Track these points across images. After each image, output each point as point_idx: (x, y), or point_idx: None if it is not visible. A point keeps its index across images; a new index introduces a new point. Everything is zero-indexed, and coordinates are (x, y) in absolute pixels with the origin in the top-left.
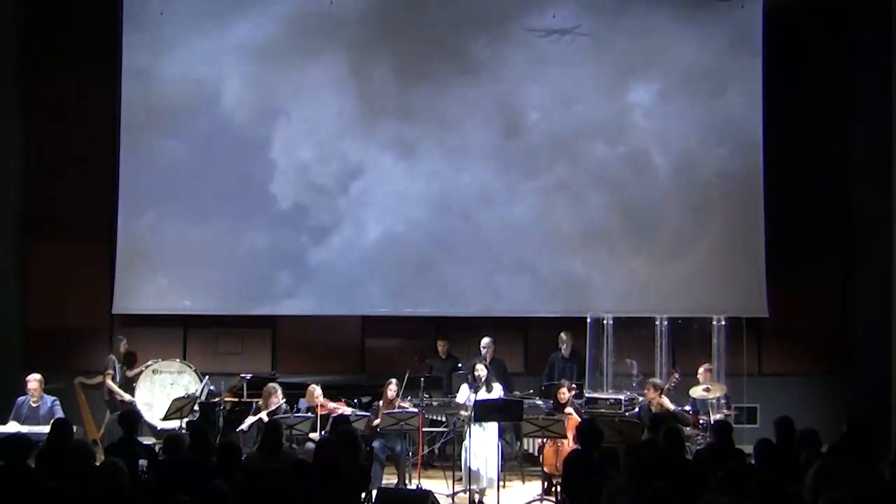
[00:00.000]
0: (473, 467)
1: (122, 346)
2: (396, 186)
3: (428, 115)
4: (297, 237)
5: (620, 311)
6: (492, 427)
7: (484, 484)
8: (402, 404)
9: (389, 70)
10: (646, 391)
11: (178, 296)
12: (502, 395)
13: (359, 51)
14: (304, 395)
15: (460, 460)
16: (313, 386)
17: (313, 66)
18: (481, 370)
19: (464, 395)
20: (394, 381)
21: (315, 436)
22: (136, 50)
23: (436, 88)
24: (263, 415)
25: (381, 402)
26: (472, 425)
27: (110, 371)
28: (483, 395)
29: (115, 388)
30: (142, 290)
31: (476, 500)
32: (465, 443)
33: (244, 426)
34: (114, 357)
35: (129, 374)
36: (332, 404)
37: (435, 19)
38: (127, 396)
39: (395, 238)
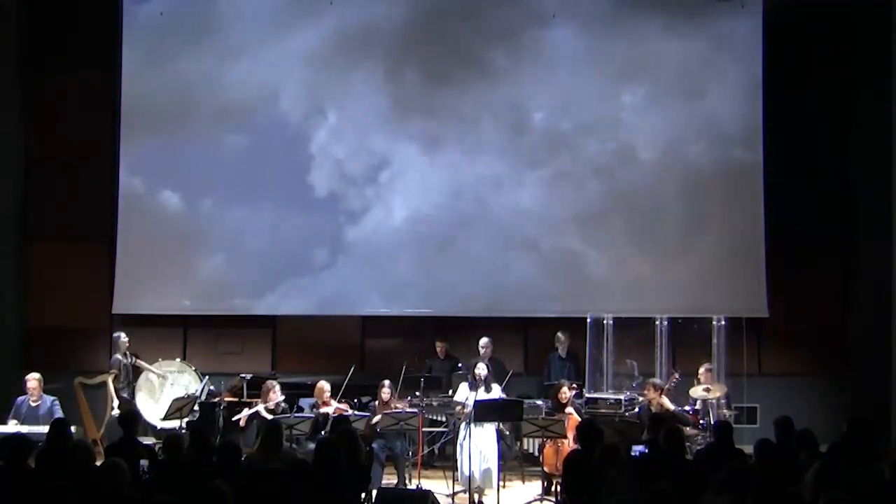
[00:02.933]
0: (467, 469)
1: (124, 343)
2: (420, 174)
3: (449, 114)
4: (334, 219)
5: (620, 311)
6: (488, 427)
7: (478, 483)
8: (398, 405)
9: (418, 74)
10: (646, 391)
11: (178, 296)
12: (501, 396)
13: (393, 58)
14: (304, 395)
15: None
16: (323, 382)
17: (354, 71)
18: (482, 369)
19: (462, 394)
20: (387, 382)
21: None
22: (135, 50)
23: (457, 90)
24: (261, 407)
25: (377, 404)
26: (470, 425)
27: (114, 370)
28: (482, 395)
29: (112, 388)
30: (142, 290)
31: (476, 501)
32: (461, 443)
33: (241, 420)
34: (120, 358)
35: (139, 363)
36: (336, 404)
37: (458, 32)
38: (123, 396)
39: (418, 218)
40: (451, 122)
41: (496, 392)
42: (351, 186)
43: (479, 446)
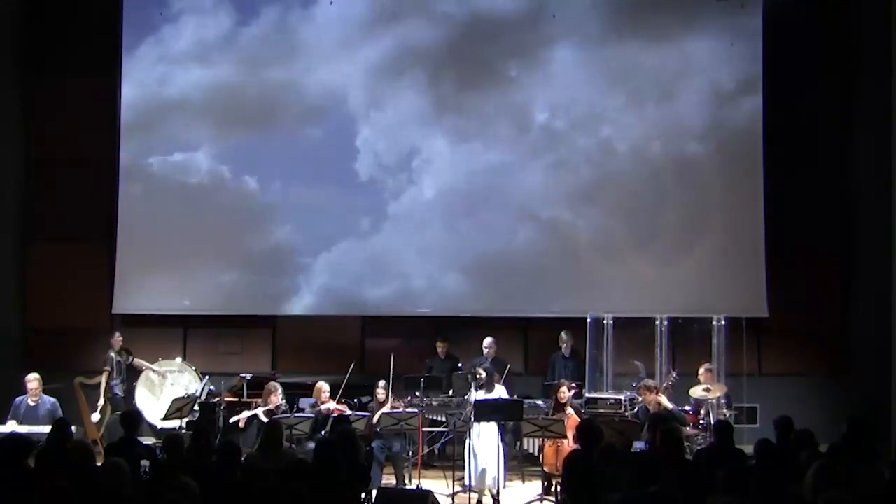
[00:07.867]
0: (478, 467)
1: (118, 342)
2: (446, 162)
3: (473, 113)
4: (379, 195)
5: (620, 311)
6: (492, 427)
7: (489, 483)
8: (395, 405)
9: (452, 82)
10: (643, 394)
11: (178, 296)
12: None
13: (433, 69)
14: (304, 395)
15: (462, 460)
16: (322, 383)
17: (402, 79)
18: (482, 374)
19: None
20: (381, 382)
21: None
22: (136, 49)
23: (480, 95)
24: (259, 411)
25: (374, 404)
26: (476, 425)
27: (107, 368)
28: (483, 395)
29: (104, 381)
30: (142, 290)
31: (493, 498)
32: (469, 443)
33: (240, 421)
34: (112, 355)
35: (137, 362)
36: (334, 404)
37: (483, 50)
38: (115, 394)
39: (444, 195)
40: (474, 120)
41: (499, 391)
42: (393, 168)
43: (484, 447)
